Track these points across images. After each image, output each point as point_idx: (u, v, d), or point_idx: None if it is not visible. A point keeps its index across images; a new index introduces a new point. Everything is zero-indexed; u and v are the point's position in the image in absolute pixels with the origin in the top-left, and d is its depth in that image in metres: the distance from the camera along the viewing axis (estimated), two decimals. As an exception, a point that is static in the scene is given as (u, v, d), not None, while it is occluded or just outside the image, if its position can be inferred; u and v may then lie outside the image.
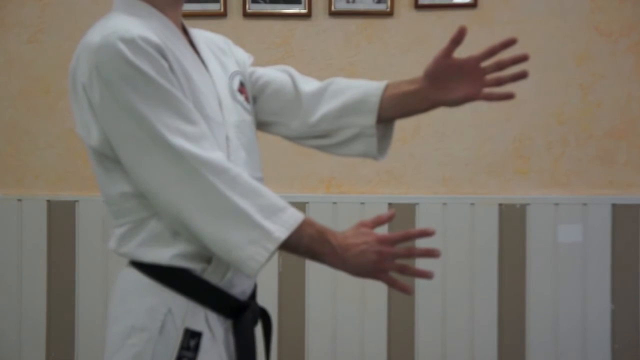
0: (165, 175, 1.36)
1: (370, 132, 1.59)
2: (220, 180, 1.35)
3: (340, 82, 1.65)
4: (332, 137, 1.63)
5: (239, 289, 1.49)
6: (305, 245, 1.39)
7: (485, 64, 1.52)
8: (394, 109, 1.59)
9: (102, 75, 1.35)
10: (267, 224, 1.35)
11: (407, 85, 1.58)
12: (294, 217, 1.38)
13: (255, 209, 1.35)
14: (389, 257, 1.39)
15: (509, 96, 1.52)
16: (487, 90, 1.53)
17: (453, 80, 1.53)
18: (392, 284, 1.41)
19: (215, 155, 1.37)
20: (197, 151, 1.35)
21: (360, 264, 1.39)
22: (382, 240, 1.39)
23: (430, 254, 1.40)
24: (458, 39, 1.49)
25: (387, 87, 1.60)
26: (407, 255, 1.40)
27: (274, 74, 1.68)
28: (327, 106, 1.62)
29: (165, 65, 1.38)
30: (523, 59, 1.49)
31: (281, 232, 1.36)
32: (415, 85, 1.56)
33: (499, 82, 1.52)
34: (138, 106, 1.35)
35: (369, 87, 1.61)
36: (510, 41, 1.48)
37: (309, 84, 1.66)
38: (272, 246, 1.35)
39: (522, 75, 1.50)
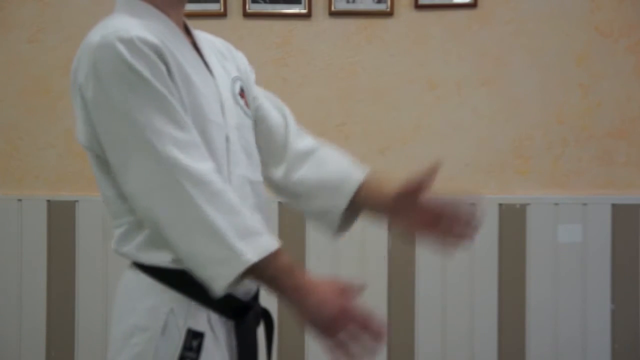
0: (147, 181, 1.34)
1: (337, 212, 1.61)
2: (199, 192, 1.32)
3: (326, 153, 1.66)
4: (301, 202, 1.66)
5: (243, 290, 1.48)
6: (271, 274, 1.34)
7: (443, 207, 1.52)
8: (362, 205, 1.62)
9: (98, 73, 1.35)
10: (240, 244, 1.31)
11: (378, 194, 1.59)
12: (269, 243, 1.34)
13: (231, 228, 1.32)
14: (348, 319, 1.32)
15: (454, 248, 1.55)
16: (442, 236, 1.55)
17: (414, 215, 1.54)
18: (332, 350, 1.33)
19: (202, 166, 1.35)
20: (183, 159, 1.33)
21: (319, 312, 1.32)
22: (348, 300, 1.34)
23: (377, 337, 1.32)
24: (430, 177, 1.51)
25: (365, 181, 1.61)
26: (363, 326, 1.32)
27: (271, 112, 1.68)
28: (307, 173, 1.64)
29: (163, 68, 1.38)
30: (475, 229, 1.51)
31: (252, 255, 1.31)
32: (383, 199, 1.58)
33: (451, 234, 1.54)
34: (130, 107, 1.34)
35: (349, 173, 1.63)
36: (435, 170, 1.50)
37: (298, 139, 1.67)
38: (241, 268, 1.31)
39: (468, 236, 1.52)
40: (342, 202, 1.60)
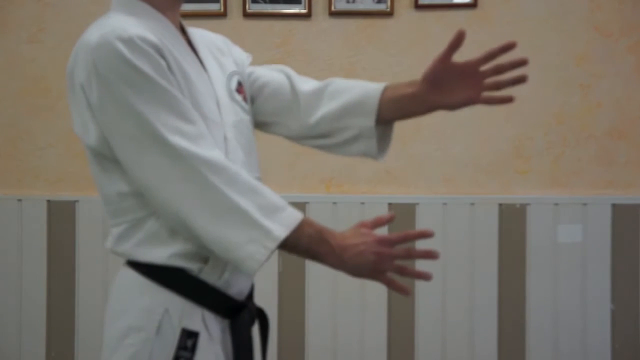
0: (164, 174, 1.36)
1: (370, 133, 1.59)
2: (219, 178, 1.35)
3: (339, 82, 1.64)
4: (332, 138, 1.63)
5: (236, 289, 1.49)
6: (304, 244, 1.39)
7: (484, 67, 1.51)
8: (392, 111, 1.58)
9: (101, 74, 1.35)
10: (267, 222, 1.35)
11: (405, 87, 1.56)
12: (294, 216, 1.38)
13: (255, 208, 1.35)
14: (388, 258, 1.39)
15: (508, 100, 1.51)
16: (486, 94, 1.52)
17: (451, 84, 1.52)
18: (390, 284, 1.41)
19: (214, 153, 1.38)
20: (196, 150, 1.36)
21: (359, 265, 1.39)
22: (381, 241, 1.39)
23: (430, 255, 1.40)
24: (456, 43, 1.48)
25: (385, 88, 1.58)
26: (406, 257, 1.40)
27: (272, 75, 1.67)
28: (326, 107, 1.61)
29: (164, 64, 1.39)
30: (522, 63, 1.49)
31: (281, 231, 1.36)
32: (413, 88, 1.55)
33: (498, 86, 1.51)
34: (136, 105, 1.35)
35: (367, 89, 1.60)
36: (510, 45, 1.48)
37: (306, 84, 1.66)
38: (272, 245, 1.35)
39: (522, 80, 1.50)
40: (370, 119, 1.57)
